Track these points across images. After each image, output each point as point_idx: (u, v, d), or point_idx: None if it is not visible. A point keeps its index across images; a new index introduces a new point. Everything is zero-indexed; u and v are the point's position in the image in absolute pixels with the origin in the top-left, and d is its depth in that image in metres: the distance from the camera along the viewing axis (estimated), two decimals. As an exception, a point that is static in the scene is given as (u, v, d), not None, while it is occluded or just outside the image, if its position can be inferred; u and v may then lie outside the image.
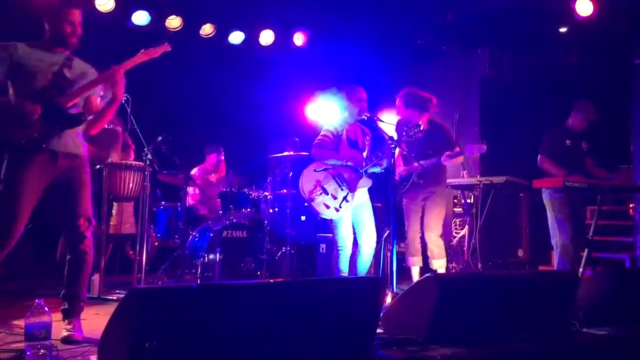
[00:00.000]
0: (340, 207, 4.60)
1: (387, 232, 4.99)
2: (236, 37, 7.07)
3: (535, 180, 5.08)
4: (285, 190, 6.09)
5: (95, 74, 3.39)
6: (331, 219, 4.66)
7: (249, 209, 5.88)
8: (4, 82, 3.14)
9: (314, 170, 4.70)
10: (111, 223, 5.23)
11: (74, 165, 3.27)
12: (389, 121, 5.02)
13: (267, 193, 6.04)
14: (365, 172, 4.68)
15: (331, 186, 4.64)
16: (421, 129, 4.50)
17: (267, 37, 7.23)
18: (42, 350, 2.57)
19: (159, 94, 6.58)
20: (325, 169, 4.68)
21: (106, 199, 4.71)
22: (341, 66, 7.46)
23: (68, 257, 3.29)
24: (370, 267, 4.84)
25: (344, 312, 2.53)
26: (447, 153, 4.92)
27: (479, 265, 5.76)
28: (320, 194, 4.62)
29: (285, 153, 5.92)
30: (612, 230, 7.05)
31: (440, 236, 5.12)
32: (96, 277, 4.63)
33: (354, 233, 4.74)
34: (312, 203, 4.63)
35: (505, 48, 7.13)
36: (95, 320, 3.65)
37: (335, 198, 4.61)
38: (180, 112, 6.86)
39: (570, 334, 3.22)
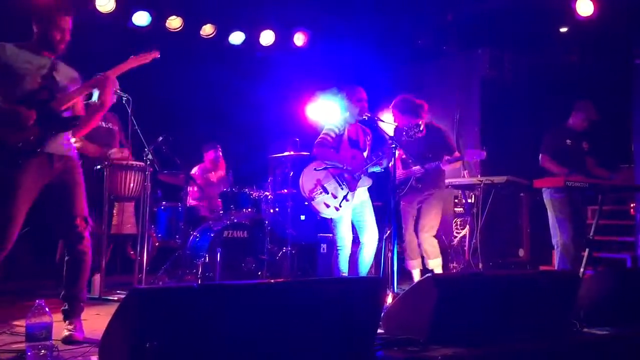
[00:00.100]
0: (340, 206, 4.60)
1: (388, 232, 5.00)
2: (237, 38, 7.07)
3: (536, 180, 5.09)
4: (286, 190, 6.09)
5: (79, 78, 3.39)
6: (331, 218, 4.66)
7: (249, 209, 5.88)
8: None
9: (315, 169, 4.70)
10: (112, 223, 5.22)
11: (67, 167, 3.27)
12: (389, 121, 5.02)
13: (267, 193, 6.04)
14: (366, 171, 4.69)
15: (331, 185, 4.64)
16: (421, 128, 4.50)
17: (267, 38, 7.23)
18: (43, 351, 2.57)
19: (160, 94, 6.58)
20: (325, 168, 4.68)
21: (107, 199, 4.70)
22: (341, 66, 7.46)
23: (66, 258, 3.29)
24: (371, 268, 4.85)
25: (344, 312, 2.53)
26: (447, 157, 4.93)
27: (480, 265, 5.76)
28: (321, 193, 4.62)
29: (286, 153, 5.92)
30: (613, 230, 7.05)
31: (435, 236, 5.14)
32: (97, 278, 4.63)
33: (355, 232, 4.75)
34: (312, 202, 4.63)
35: (506, 48, 7.13)
36: (96, 321, 3.65)
37: (335, 197, 4.61)
38: (181, 113, 6.86)
39: (571, 334, 3.21)
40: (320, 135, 4.79)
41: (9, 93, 3.11)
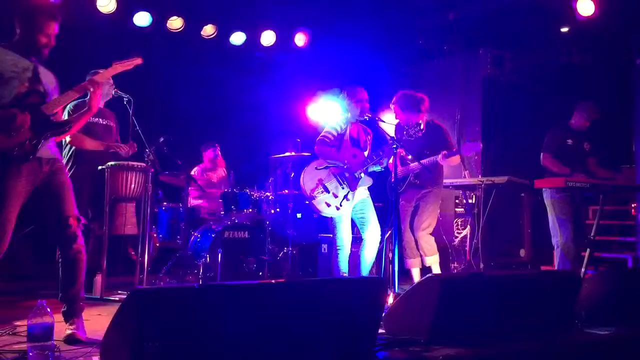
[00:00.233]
0: (340, 205, 4.61)
1: (389, 232, 5.00)
2: (237, 38, 7.08)
3: (536, 180, 5.08)
4: (286, 191, 6.10)
5: (57, 82, 3.38)
6: (331, 218, 4.67)
7: (250, 210, 5.89)
8: None
9: (316, 168, 4.71)
10: (113, 224, 5.22)
11: (54, 168, 3.27)
12: (390, 121, 5.02)
13: (268, 193, 6.05)
14: (366, 170, 4.69)
15: (332, 184, 4.65)
16: (421, 127, 4.50)
17: (268, 38, 7.23)
18: (44, 351, 2.58)
19: (161, 95, 6.60)
20: (326, 167, 4.69)
21: (108, 200, 4.71)
22: (343, 67, 7.46)
23: (61, 259, 3.28)
24: (372, 268, 4.85)
25: (346, 312, 2.53)
26: (444, 152, 4.93)
27: (481, 266, 5.76)
28: (322, 192, 4.63)
29: (287, 153, 5.92)
30: (614, 230, 7.05)
31: (431, 234, 5.15)
32: (98, 278, 4.64)
33: (356, 231, 4.75)
34: (313, 201, 4.64)
35: (507, 48, 7.13)
36: (97, 321, 3.65)
37: (336, 196, 4.62)
38: (182, 113, 6.87)
39: (573, 334, 3.22)
40: (322, 134, 4.80)
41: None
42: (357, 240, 5.14)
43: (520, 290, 3.14)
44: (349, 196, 4.64)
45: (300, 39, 7.37)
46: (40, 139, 3.14)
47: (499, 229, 6.39)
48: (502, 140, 6.85)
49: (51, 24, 3.22)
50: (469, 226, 6.25)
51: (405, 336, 2.84)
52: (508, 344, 2.83)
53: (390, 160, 4.38)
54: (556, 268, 5.50)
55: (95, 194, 4.73)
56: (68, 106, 3.95)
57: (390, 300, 3.81)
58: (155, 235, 5.79)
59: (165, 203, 6.02)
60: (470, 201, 6.27)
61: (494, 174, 5.87)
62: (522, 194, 6.88)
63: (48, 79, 3.31)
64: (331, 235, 4.92)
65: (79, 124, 3.50)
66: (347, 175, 4.67)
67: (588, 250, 4.76)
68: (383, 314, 2.86)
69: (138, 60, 3.51)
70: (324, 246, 6.16)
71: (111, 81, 4.66)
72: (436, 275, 4.09)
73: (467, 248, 6.09)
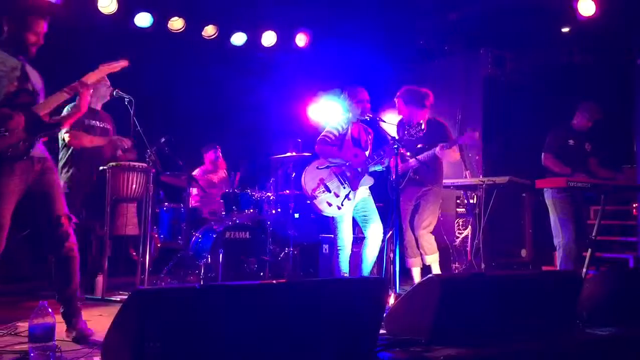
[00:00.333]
0: (342, 204, 4.62)
1: (390, 232, 5.00)
2: (238, 39, 7.08)
3: (538, 180, 5.08)
4: (287, 191, 6.10)
5: (42, 81, 3.37)
6: (333, 218, 4.67)
7: (251, 210, 5.89)
8: None
9: (317, 168, 4.71)
10: (114, 224, 5.22)
11: (45, 168, 3.26)
12: (391, 121, 5.03)
13: (269, 194, 6.05)
14: (367, 169, 4.69)
15: (334, 184, 4.65)
16: (422, 127, 4.50)
17: (269, 38, 7.23)
18: (46, 352, 2.58)
19: (162, 95, 6.60)
20: (328, 167, 4.69)
21: (109, 200, 4.71)
22: (343, 67, 7.46)
23: (55, 258, 3.27)
24: (373, 268, 4.85)
25: (347, 312, 2.54)
26: (441, 144, 4.93)
27: (482, 266, 5.76)
28: (323, 191, 4.63)
29: (288, 154, 5.92)
30: (615, 230, 7.05)
31: (431, 233, 5.15)
32: (100, 279, 4.64)
33: (357, 231, 4.75)
34: (314, 201, 4.64)
35: (508, 48, 7.13)
36: (98, 322, 3.65)
37: (337, 196, 4.62)
38: (183, 114, 6.87)
39: (574, 334, 3.21)
40: (323, 133, 4.80)
41: None
42: (358, 240, 5.14)
43: (522, 290, 3.14)
44: (351, 195, 4.64)
45: (301, 40, 7.37)
46: (33, 140, 3.13)
47: (500, 229, 6.38)
48: (503, 140, 6.85)
49: (40, 22, 3.20)
50: (470, 226, 6.25)
51: (407, 336, 2.84)
52: (509, 344, 2.83)
53: (392, 161, 4.38)
54: (558, 268, 5.49)
55: (91, 194, 4.73)
56: (67, 107, 3.96)
57: (392, 300, 3.81)
58: (156, 235, 5.79)
59: (166, 203, 6.02)
60: (471, 201, 6.27)
61: (495, 174, 5.87)
62: (524, 194, 6.88)
63: (36, 79, 3.30)
64: (332, 236, 4.93)
65: (68, 122, 3.59)
66: (348, 174, 4.67)
67: (589, 250, 4.75)
68: (384, 315, 2.86)
69: (124, 63, 3.51)
70: (325, 246, 6.16)
71: (108, 83, 4.66)
72: (437, 275, 4.08)
73: (469, 248, 6.09)
